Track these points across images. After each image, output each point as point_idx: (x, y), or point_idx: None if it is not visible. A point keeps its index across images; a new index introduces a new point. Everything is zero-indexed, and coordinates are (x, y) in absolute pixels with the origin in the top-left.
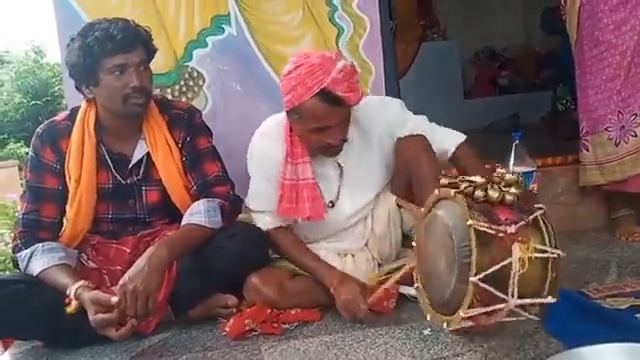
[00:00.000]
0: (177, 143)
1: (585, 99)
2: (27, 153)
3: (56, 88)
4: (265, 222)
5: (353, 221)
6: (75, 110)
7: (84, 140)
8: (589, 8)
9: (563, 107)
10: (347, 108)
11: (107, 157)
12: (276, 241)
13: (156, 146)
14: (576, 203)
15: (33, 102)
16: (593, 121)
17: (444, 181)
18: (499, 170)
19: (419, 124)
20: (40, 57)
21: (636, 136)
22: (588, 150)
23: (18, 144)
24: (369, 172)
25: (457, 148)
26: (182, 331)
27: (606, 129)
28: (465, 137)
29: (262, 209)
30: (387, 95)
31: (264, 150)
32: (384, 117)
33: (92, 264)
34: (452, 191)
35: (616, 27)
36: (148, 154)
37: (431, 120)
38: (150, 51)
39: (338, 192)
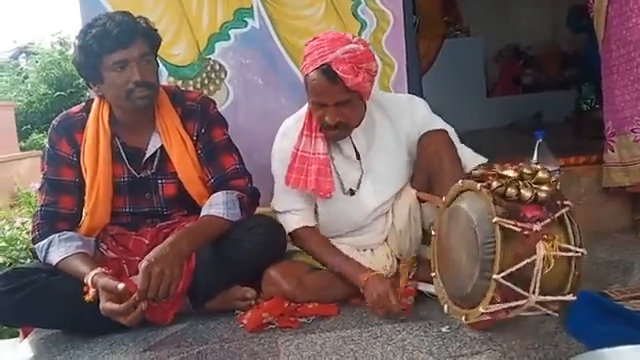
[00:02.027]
0: (191, 136)
1: (611, 99)
2: None
3: (80, 80)
4: (292, 222)
5: (375, 216)
6: (90, 102)
7: (99, 134)
8: (617, 7)
9: (587, 107)
10: (347, 91)
11: (122, 150)
12: (303, 241)
13: (170, 139)
14: (600, 204)
15: (57, 93)
16: (619, 122)
17: (476, 172)
18: (532, 165)
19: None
20: (65, 49)
21: None
22: (613, 151)
23: (41, 134)
24: (396, 168)
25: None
26: (199, 322)
27: (632, 130)
28: (487, 160)
29: (288, 209)
30: (409, 91)
31: (285, 150)
32: (413, 114)
33: (112, 254)
34: (478, 185)
35: None
36: (162, 147)
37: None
38: (153, 42)
39: (359, 182)
